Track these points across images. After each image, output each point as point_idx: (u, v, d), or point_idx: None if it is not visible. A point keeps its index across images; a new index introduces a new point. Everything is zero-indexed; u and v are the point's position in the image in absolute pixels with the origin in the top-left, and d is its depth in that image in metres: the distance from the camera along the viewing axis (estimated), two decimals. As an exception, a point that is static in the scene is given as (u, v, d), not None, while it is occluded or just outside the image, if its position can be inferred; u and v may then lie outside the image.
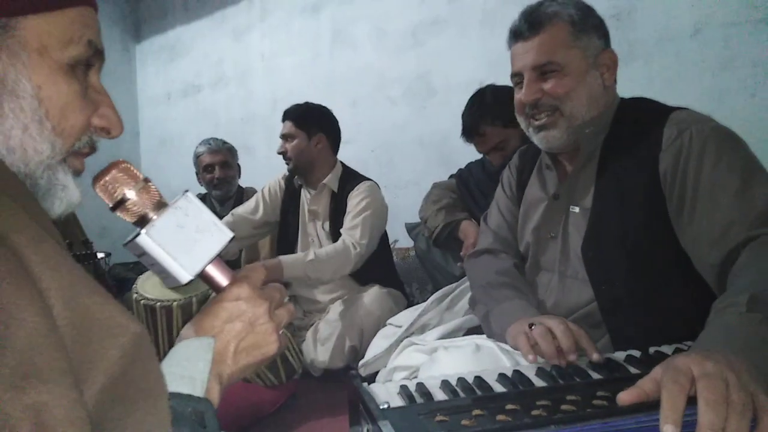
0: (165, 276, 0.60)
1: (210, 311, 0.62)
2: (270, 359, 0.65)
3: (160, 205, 0.60)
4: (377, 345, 1.52)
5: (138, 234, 0.58)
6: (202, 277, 0.62)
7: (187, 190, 0.64)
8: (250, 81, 3.91)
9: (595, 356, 0.89)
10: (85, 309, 0.44)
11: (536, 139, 1.14)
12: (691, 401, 0.60)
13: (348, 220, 2.12)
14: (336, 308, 2.14)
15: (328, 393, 1.94)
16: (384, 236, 2.28)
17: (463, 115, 1.93)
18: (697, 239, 0.97)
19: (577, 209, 1.13)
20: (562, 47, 1.06)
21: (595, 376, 0.85)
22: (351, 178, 2.26)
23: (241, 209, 2.39)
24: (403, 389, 0.82)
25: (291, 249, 2.31)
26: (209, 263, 0.62)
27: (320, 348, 2.03)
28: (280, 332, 0.65)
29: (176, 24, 4.35)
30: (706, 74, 2.11)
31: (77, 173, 0.59)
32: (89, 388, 0.42)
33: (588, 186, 1.12)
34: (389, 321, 1.62)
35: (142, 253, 0.59)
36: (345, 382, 1.89)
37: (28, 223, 0.43)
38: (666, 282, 1.04)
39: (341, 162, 2.33)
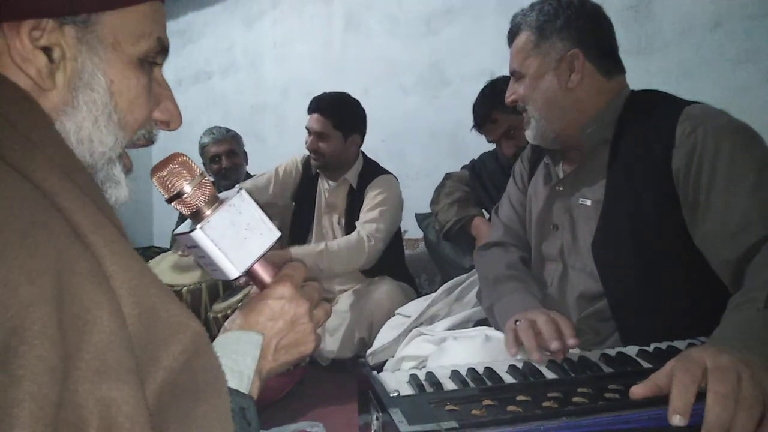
0: (213, 269, 0.62)
1: (255, 307, 0.64)
2: (306, 357, 0.67)
3: (214, 200, 0.62)
4: (386, 334, 1.52)
5: (193, 229, 0.60)
6: (248, 273, 0.64)
7: (241, 188, 0.65)
8: (261, 68, 3.90)
9: (571, 341, 0.90)
10: (152, 307, 0.46)
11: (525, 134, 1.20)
12: (703, 394, 0.60)
13: (364, 213, 2.10)
14: (345, 299, 2.13)
15: (336, 382, 1.95)
16: (397, 230, 2.26)
17: (474, 105, 1.92)
18: (713, 237, 0.96)
19: (588, 202, 1.12)
20: (524, 55, 1.12)
21: (607, 369, 0.84)
22: (370, 171, 2.23)
23: (250, 183, 2.30)
24: (413, 378, 0.82)
25: (304, 239, 2.29)
26: (257, 261, 0.64)
27: (329, 338, 2.03)
28: (317, 331, 0.68)
29: (188, 10, 4.34)
30: (727, 68, 2.07)
31: (127, 171, 0.60)
32: (151, 382, 0.44)
33: (597, 179, 1.11)
34: (398, 311, 1.62)
35: (194, 246, 0.61)
36: (353, 372, 1.90)
37: (104, 223, 0.45)
38: (676, 279, 1.03)
39: (362, 152, 2.30)
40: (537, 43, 1.10)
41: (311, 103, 2.19)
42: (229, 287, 2.06)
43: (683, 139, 0.99)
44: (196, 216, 0.61)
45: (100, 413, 0.38)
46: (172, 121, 0.63)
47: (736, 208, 0.93)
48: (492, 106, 1.85)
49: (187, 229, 0.61)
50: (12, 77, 0.51)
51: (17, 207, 0.39)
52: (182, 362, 0.47)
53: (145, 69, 0.58)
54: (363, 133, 2.25)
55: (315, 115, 2.15)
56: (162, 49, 0.59)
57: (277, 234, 0.65)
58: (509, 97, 1.17)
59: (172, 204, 0.61)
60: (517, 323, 0.96)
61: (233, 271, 0.61)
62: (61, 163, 0.47)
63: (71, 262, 0.40)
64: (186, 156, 0.61)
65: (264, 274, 0.66)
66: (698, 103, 1.06)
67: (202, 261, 0.62)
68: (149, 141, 0.62)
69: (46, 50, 0.51)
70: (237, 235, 0.61)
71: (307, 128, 2.19)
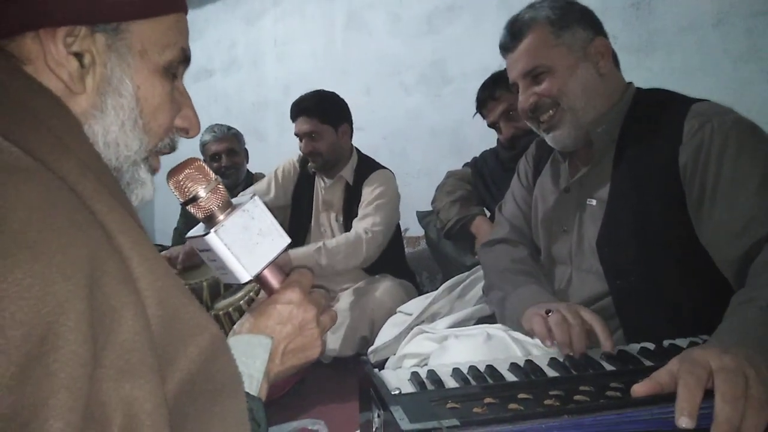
0: (224, 273, 0.63)
1: (264, 311, 0.65)
2: (312, 362, 0.69)
3: (227, 205, 0.63)
4: (387, 332, 1.52)
5: (207, 233, 0.61)
6: (258, 277, 0.65)
7: (254, 194, 0.67)
8: (262, 66, 3.90)
9: (608, 345, 0.89)
10: (174, 309, 0.47)
11: (547, 140, 1.16)
12: (708, 395, 0.60)
13: (361, 210, 2.10)
14: (346, 297, 2.13)
15: (338, 380, 1.95)
16: (397, 227, 2.26)
17: (478, 90, 1.92)
18: (717, 234, 0.96)
19: (594, 202, 1.12)
20: (545, 48, 1.08)
21: (609, 367, 0.84)
22: (366, 167, 2.23)
23: (250, 190, 2.34)
24: (414, 376, 0.82)
25: (303, 237, 2.30)
26: (267, 266, 0.65)
27: (331, 336, 2.03)
28: (323, 337, 0.69)
29: (189, 7, 4.32)
30: (729, 65, 2.06)
31: (154, 172, 0.63)
32: (169, 382, 0.46)
33: (604, 178, 1.11)
34: (399, 309, 1.62)
35: (207, 249, 0.62)
36: (355, 370, 1.90)
37: (132, 225, 0.47)
38: (681, 276, 1.03)
39: (357, 149, 2.30)
40: (557, 34, 1.08)
41: (292, 109, 2.20)
42: (230, 286, 2.06)
43: (690, 136, 0.99)
44: (210, 220, 0.62)
45: (123, 411, 0.39)
46: (192, 129, 0.65)
47: (741, 205, 0.93)
48: (495, 86, 1.85)
49: (201, 233, 0.62)
50: (44, 81, 0.53)
51: (55, 207, 0.40)
52: (199, 364, 0.48)
53: (169, 77, 0.60)
54: (350, 122, 2.24)
55: (300, 118, 2.16)
56: (185, 59, 0.62)
57: (288, 240, 0.67)
58: (529, 99, 1.11)
59: (187, 207, 0.63)
60: (550, 314, 0.95)
61: (244, 275, 0.62)
62: (91, 166, 0.49)
63: (102, 262, 0.41)
64: (201, 161, 0.63)
65: (273, 279, 0.67)
66: (705, 100, 1.06)
67: (214, 264, 0.64)
68: (172, 148, 0.64)
69: (78, 56, 0.54)
70: (249, 240, 0.62)
71: (296, 134, 2.20)
